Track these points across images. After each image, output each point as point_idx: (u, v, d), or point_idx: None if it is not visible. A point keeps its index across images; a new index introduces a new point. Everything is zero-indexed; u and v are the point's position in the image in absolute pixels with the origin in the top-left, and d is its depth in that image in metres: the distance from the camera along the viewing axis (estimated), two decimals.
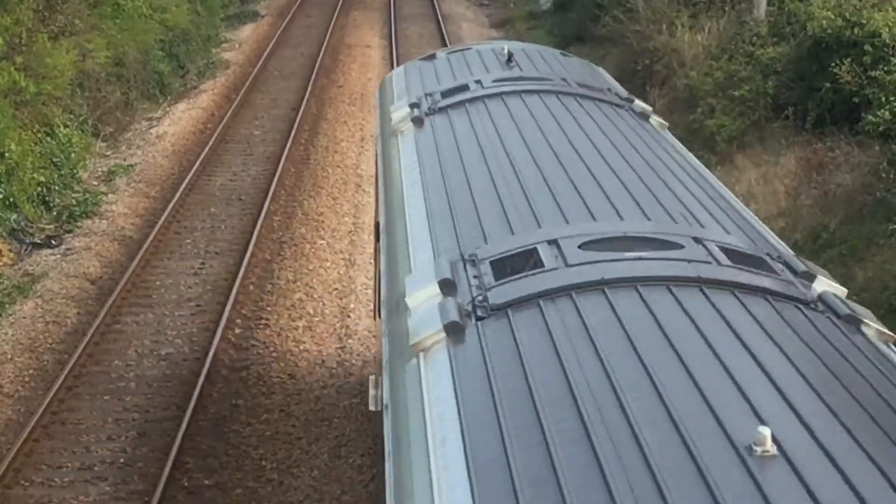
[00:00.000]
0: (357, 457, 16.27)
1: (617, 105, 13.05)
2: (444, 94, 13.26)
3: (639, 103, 13.54)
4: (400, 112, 13.08)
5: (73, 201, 26.05)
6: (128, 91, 33.53)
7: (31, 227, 24.23)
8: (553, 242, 8.15)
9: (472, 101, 12.74)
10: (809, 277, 8.29)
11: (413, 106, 12.94)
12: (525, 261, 7.99)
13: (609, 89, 13.94)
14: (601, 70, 16.17)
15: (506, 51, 14.87)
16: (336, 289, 21.81)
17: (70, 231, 24.61)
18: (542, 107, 12.36)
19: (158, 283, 22.08)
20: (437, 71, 15.00)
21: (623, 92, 14.33)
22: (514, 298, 7.52)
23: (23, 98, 26.50)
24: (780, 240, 9.80)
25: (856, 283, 18.50)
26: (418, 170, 10.86)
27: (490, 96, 12.77)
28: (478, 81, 13.43)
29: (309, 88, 36.65)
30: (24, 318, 20.33)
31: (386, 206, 11.03)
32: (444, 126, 12.12)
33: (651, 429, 5.95)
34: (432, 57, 16.04)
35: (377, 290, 11.37)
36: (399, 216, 10.12)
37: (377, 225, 11.45)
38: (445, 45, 44.91)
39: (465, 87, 13.32)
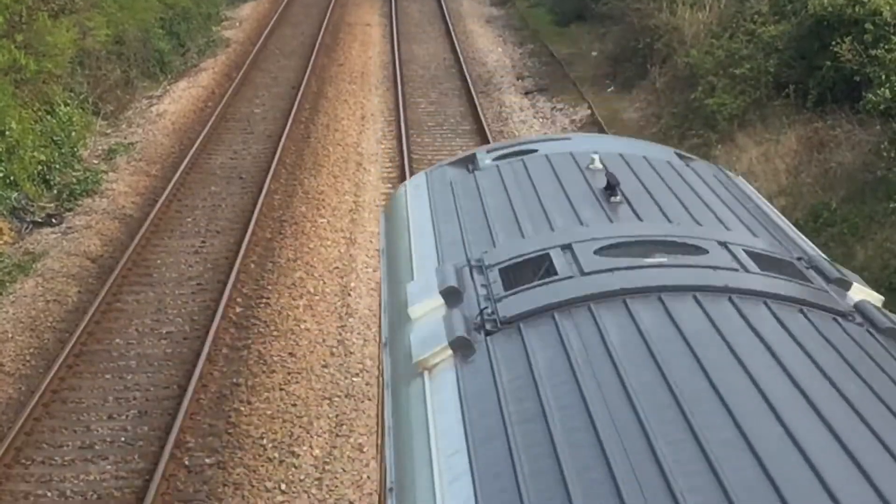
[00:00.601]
0: (358, 435, 16.29)
1: (840, 314, 7.08)
2: (508, 276, 7.33)
3: (864, 299, 7.51)
4: (426, 305, 7.33)
5: (74, 180, 26.04)
6: (128, 69, 33.49)
7: (32, 206, 24.23)
8: None
9: (565, 306, 6.78)
10: None
11: (450, 297, 7.22)
12: None
13: (801, 258, 7.96)
14: (755, 193, 9.95)
15: (598, 163, 9.07)
16: (336, 267, 21.81)
17: (70, 209, 24.60)
18: (709, 330, 6.49)
19: (159, 261, 22.09)
20: (486, 204, 8.84)
21: (822, 259, 8.08)
22: None
23: (23, 76, 26.48)
24: None
25: (856, 262, 18.51)
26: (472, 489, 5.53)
27: (600, 298, 6.80)
28: (567, 249, 7.45)
29: (309, 67, 36.60)
30: (25, 296, 20.35)
31: None
32: (517, 368, 6.34)
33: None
34: (471, 162, 10.12)
35: None
36: None
37: None
38: (446, 24, 44.89)
39: (544, 264, 7.33)
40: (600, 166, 8.97)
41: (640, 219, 8.10)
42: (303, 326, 19.45)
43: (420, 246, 8.57)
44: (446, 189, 9.54)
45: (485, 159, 10.09)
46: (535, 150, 10.02)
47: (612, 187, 8.51)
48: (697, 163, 10.44)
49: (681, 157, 10.49)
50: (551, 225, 8.12)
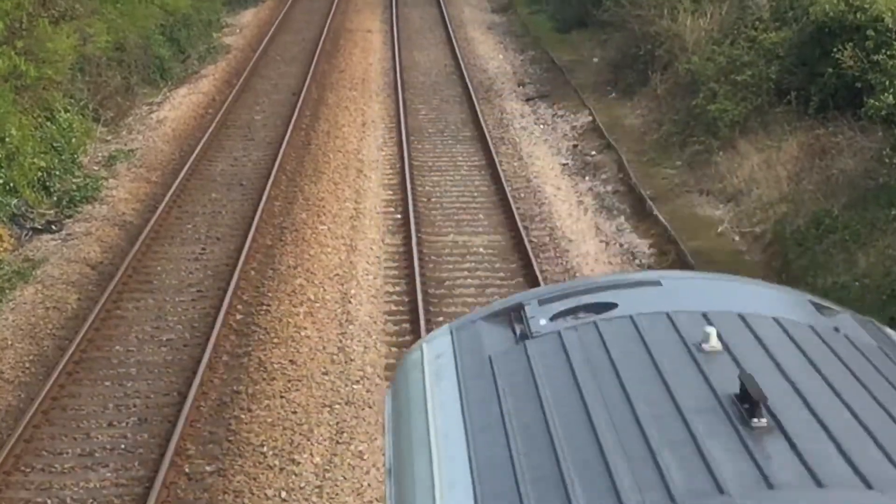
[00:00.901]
0: (358, 442, 16.25)
1: None
2: None
3: None
4: None
5: (74, 186, 26.00)
6: (128, 76, 33.49)
7: (32, 213, 24.19)
8: None
9: None
10: None
11: None
12: None
13: None
14: None
15: (715, 342, 5.84)
16: (337, 274, 21.77)
17: (70, 216, 24.57)
18: None
19: (159, 268, 22.05)
20: (551, 417, 5.50)
21: None
22: None
23: (23, 83, 26.46)
24: None
25: (858, 269, 18.48)
26: None
27: None
28: None
29: (310, 73, 36.60)
30: (25, 303, 20.31)
31: None
32: None
33: None
34: (518, 320, 6.70)
35: None
36: None
37: None
38: (447, 31, 44.88)
39: None
40: (719, 346, 5.75)
41: (816, 480, 4.57)
42: (303, 333, 19.41)
43: (449, 492, 5.33)
44: (483, 370, 6.17)
45: (538, 318, 6.53)
46: (613, 306, 6.51)
47: (752, 402, 5.07)
48: (841, 318, 6.73)
49: (817, 308, 6.87)
50: (665, 480, 4.75)
